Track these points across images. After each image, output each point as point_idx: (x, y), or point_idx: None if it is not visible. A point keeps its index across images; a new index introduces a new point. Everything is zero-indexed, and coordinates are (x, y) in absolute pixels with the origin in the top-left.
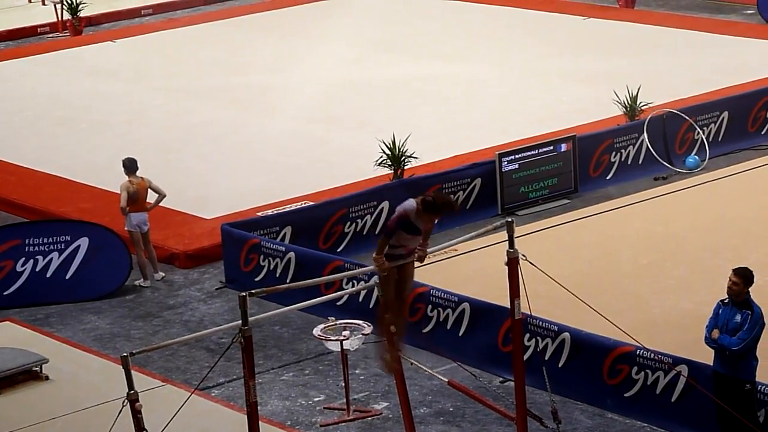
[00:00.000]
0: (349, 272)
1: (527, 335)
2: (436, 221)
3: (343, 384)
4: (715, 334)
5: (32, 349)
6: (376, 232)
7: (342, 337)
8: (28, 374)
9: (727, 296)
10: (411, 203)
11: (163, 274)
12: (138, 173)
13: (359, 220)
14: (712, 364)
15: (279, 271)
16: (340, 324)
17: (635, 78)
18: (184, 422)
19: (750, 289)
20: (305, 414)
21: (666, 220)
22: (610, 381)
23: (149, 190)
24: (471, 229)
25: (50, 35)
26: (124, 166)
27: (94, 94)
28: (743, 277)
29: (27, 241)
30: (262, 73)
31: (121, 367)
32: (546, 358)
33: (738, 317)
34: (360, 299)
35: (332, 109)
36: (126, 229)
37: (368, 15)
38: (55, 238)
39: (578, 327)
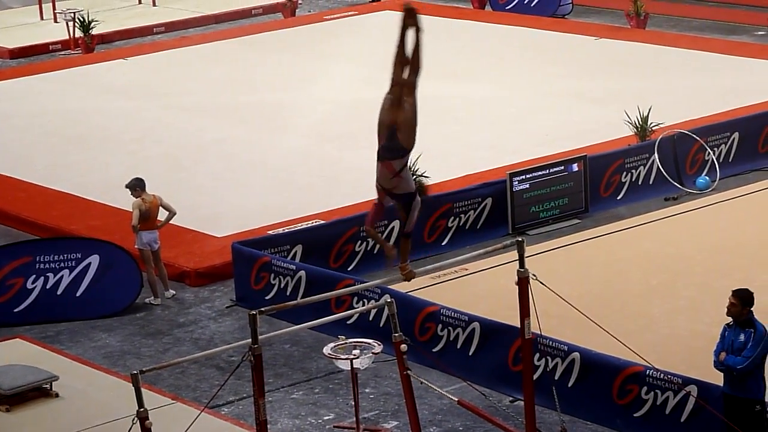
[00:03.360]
0: (360, 285)
1: (537, 355)
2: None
3: (353, 403)
4: (722, 356)
5: (42, 367)
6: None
7: (352, 356)
8: (39, 391)
9: (728, 314)
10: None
11: (174, 292)
12: (149, 191)
13: (370, 240)
14: (722, 386)
15: (289, 289)
16: (351, 343)
17: (646, 98)
18: None
19: (755, 310)
20: None
21: (676, 241)
22: (619, 401)
23: (160, 207)
24: (482, 249)
25: (62, 53)
26: (134, 187)
27: (106, 112)
28: (740, 298)
29: (38, 258)
30: (274, 91)
31: (131, 384)
32: (556, 378)
33: (742, 336)
34: (370, 318)
35: (344, 128)
36: (136, 247)
37: (379, 35)
38: (65, 255)
39: (588, 347)
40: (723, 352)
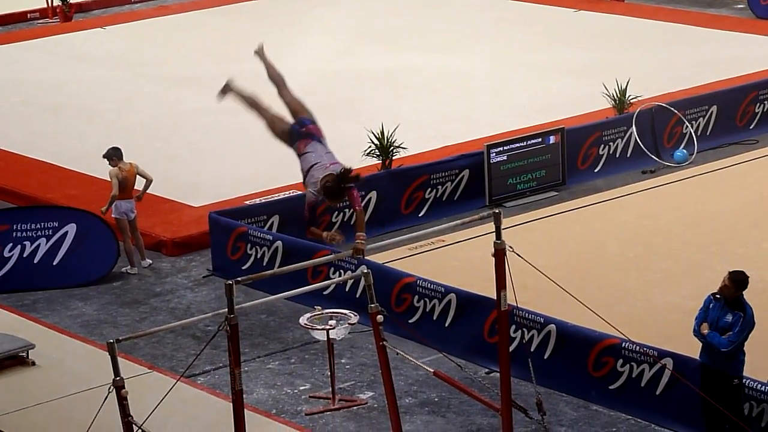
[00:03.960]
0: (333, 255)
1: (513, 327)
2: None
3: (329, 373)
4: (705, 328)
5: (19, 335)
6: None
7: (328, 327)
8: (15, 360)
9: (719, 292)
10: (309, 193)
11: (150, 261)
12: (126, 160)
13: (347, 210)
14: (698, 356)
15: (266, 259)
16: (327, 313)
17: (625, 71)
18: (169, 409)
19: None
20: (291, 402)
21: (653, 214)
22: (595, 373)
23: (137, 176)
24: (458, 220)
25: (40, 21)
26: (111, 157)
27: (84, 81)
28: (735, 282)
29: (15, 227)
30: (251, 61)
31: (107, 353)
32: (531, 350)
33: (729, 317)
34: (346, 288)
35: (321, 99)
36: (113, 216)
37: (358, 5)
38: (42, 224)
39: (564, 319)
40: (705, 323)
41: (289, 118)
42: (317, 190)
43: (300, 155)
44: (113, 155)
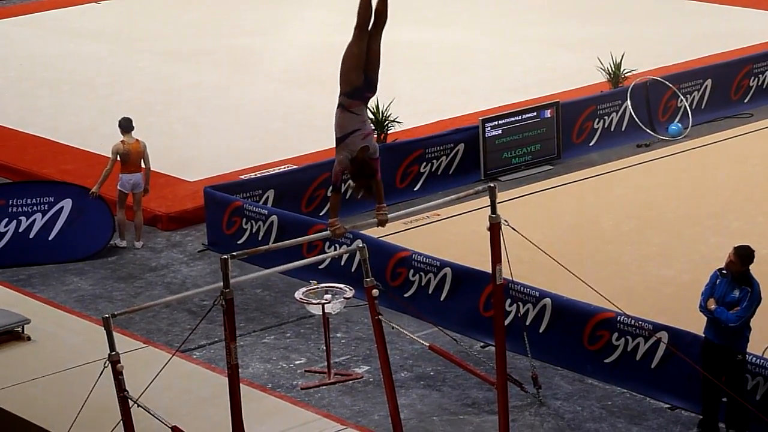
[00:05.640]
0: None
1: (508, 300)
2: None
3: (325, 347)
4: (711, 304)
5: (14, 310)
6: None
7: (323, 301)
8: (10, 335)
9: (725, 268)
10: (342, 159)
11: (142, 245)
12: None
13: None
14: (703, 332)
15: (261, 234)
16: (322, 287)
17: (619, 45)
18: (165, 384)
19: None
20: (286, 377)
21: (648, 188)
22: (590, 347)
23: (145, 153)
24: (454, 194)
25: None
26: (119, 127)
27: (78, 56)
28: (740, 257)
29: (10, 202)
30: (247, 36)
31: (102, 328)
32: (527, 324)
33: (737, 293)
34: (342, 263)
35: (316, 73)
36: (117, 187)
37: None
38: (38, 199)
39: (559, 293)
40: (712, 299)
41: (359, 72)
42: (350, 158)
43: (346, 110)
44: (120, 125)
